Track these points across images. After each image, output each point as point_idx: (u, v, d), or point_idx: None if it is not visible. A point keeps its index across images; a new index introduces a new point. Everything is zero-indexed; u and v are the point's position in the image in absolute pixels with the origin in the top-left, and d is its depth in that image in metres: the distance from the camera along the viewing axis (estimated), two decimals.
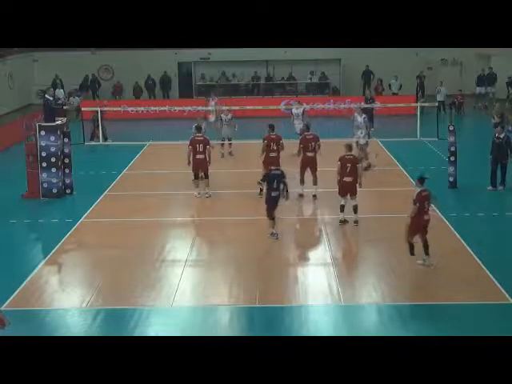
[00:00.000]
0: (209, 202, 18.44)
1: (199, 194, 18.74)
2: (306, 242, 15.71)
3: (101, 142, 24.84)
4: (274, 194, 15.13)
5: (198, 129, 19.30)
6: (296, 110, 24.39)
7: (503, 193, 18.72)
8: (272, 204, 15.19)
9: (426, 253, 13.57)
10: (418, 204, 13.32)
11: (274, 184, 15.09)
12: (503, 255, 14.41)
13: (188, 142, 18.74)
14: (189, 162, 18.57)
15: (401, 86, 34.49)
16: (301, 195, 18.25)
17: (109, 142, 25.02)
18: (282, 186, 15.17)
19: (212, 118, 26.23)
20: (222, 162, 22.52)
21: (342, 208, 16.08)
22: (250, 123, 26.25)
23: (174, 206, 18.53)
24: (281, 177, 15.19)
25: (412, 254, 13.55)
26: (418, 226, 13.38)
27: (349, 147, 16.55)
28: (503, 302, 12.02)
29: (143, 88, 36.44)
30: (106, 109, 26.41)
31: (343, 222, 16.12)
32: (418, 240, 13.47)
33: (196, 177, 18.76)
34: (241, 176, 21.00)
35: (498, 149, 18.73)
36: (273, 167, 15.58)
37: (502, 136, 18.75)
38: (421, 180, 13.61)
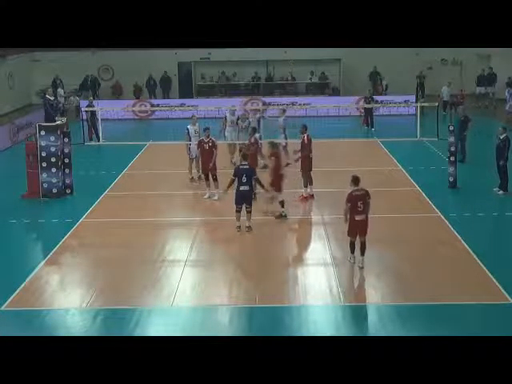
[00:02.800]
0: (209, 202, 18.43)
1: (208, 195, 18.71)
2: (306, 242, 15.72)
3: (93, 142, 24.87)
4: (242, 188, 15.62)
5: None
6: (231, 116, 22.41)
7: (504, 193, 18.69)
8: (239, 198, 15.68)
9: (362, 253, 13.56)
10: (349, 204, 13.31)
11: (242, 178, 15.59)
12: (503, 255, 14.41)
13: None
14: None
15: (386, 86, 34.67)
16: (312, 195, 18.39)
17: (101, 142, 24.92)
18: (253, 182, 15.78)
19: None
20: (223, 162, 22.48)
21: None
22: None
23: (174, 206, 18.52)
24: (250, 172, 15.72)
25: (352, 252, 13.65)
26: (352, 226, 13.42)
27: (273, 146, 17.09)
28: (503, 302, 12.02)
29: (143, 88, 36.44)
30: (94, 108, 26.33)
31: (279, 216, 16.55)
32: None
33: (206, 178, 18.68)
34: None
35: (497, 150, 18.72)
36: (243, 162, 15.97)
37: (501, 137, 18.70)
38: (354, 180, 13.52)
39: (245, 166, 15.84)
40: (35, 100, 36.17)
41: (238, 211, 15.79)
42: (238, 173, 15.74)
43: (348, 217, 13.40)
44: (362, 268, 13.53)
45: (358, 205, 13.29)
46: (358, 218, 13.34)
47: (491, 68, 34.07)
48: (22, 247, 15.47)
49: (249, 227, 15.81)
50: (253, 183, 15.86)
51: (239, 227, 15.79)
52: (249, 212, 15.82)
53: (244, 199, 15.73)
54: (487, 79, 33.89)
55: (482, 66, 34.81)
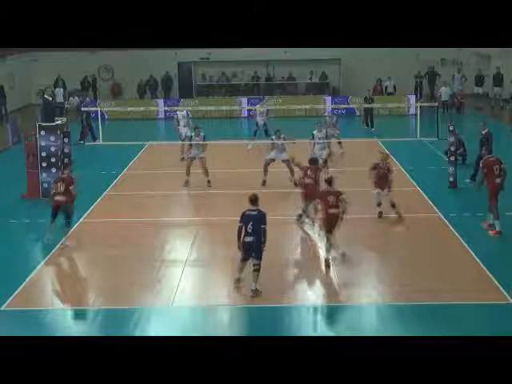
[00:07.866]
0: (209, 202, 18.43)
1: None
2: (306, 242, 15.71)
3: (90, 142, 24.90)
4: (247, 239, 12.39)
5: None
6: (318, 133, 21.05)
7: (503, 193, 18.69)
8: (244, 250, 12.57)
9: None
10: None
11: (248, 227, 12.34)
12: (503, 255, 14.41)
13: None
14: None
15: (394, 86, 34.60)
16: None
17: (97, 142, 24.89)
18: (261, 231, 12.37)
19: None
20: (224, 162, 22.49)
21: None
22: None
23: (174, 206, 18.53)
24: (258, 218, 12.39)
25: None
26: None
27: None
28: (503, 302, 12.02)
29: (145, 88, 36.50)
30: (93, 109, 26.33)
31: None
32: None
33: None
34: (240, 176, 20.93)
35: (481, 145, 19.12)
36: (250, 208, 12.55)
37: (483, 132, 19.30)
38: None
39: (253, 212, 12.48)
40: (35, 100, 36.14)
41: (242, 260, 12.74)
42: (244, 219, 12.55)
43: None
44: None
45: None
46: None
47: (498, 68, 33.84)
48: (22, 247, 15.46)
49: (255, 290, 12.33)
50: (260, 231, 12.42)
51: (238, 280, 12.74)
52: (256, 270, 12.42)
53: (249, 252, 12.55)
54: (495, 80, 33.70)
55: (481, 66, 34.77)
